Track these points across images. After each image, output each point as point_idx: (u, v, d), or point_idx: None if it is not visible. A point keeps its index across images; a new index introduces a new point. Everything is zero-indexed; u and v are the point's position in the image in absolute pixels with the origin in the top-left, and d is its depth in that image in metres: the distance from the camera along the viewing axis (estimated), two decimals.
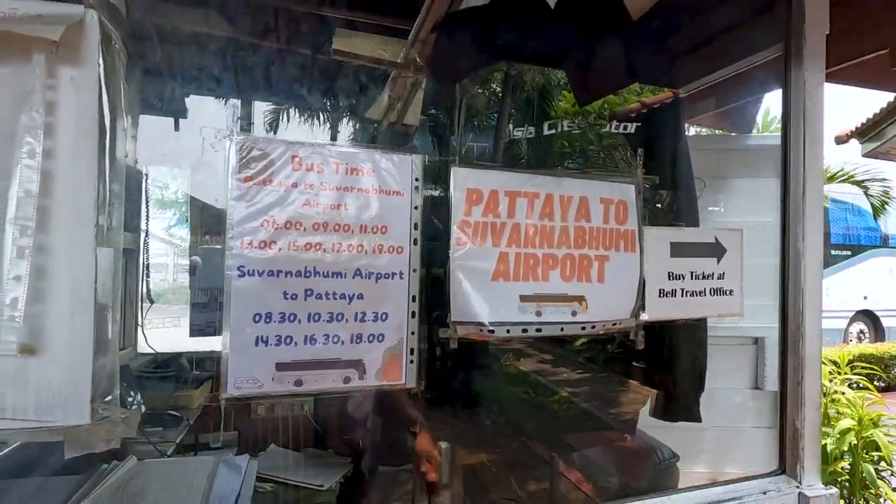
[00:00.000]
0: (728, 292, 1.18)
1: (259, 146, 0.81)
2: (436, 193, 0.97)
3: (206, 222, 1.51)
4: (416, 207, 0.90)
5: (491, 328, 0.93)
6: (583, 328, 1.01)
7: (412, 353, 0.89)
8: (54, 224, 0.67)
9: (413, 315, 0.90)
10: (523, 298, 0.95)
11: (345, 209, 0.86)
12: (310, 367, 0.83)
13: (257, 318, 0.81)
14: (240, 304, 0.80)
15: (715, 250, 1.17)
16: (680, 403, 1.33)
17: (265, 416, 2.21)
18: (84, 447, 0.69)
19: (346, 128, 2.57)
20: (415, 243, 0.90)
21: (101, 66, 0.69)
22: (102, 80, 0.70)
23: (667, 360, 1.35)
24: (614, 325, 1.06)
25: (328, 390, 0.83)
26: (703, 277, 1.16)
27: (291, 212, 0.82)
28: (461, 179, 0.94)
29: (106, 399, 0.69)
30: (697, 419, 1.33)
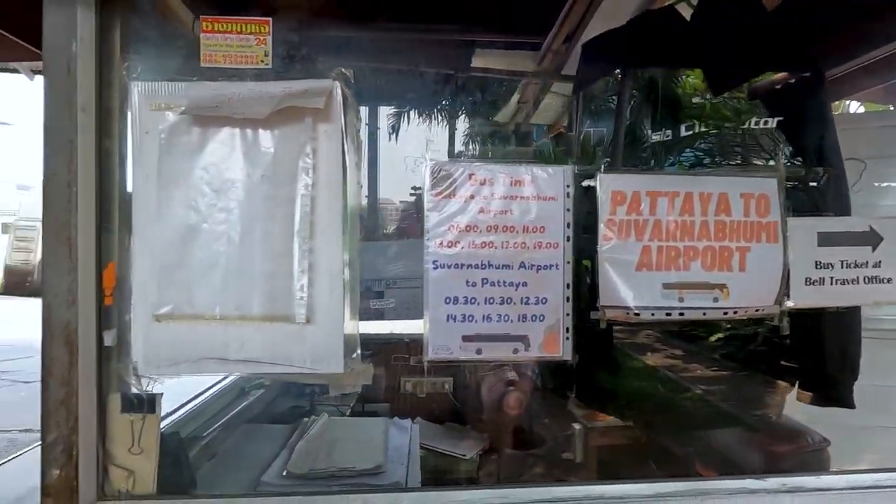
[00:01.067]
0: (886, 280, 1.16)
1: (445, 168, 1.07)
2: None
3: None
4: (568, 210, 1.09)
5: (637, 311, 1.08)
6: (724, 313, 1.10)
7: (567, 331, 1.09)
8: (317, 233, 0.98)
9: (568, 300, 1.09)
10: (666, 286, 1.08)
11: (510, 213, 1.08)
12: (487, 339, 1.06)
13: (447, 300, 1.06)
14: (434, 289, 1.06)
15: (869, 238, 1.16)
16: (833, 388, 1.32)
17: (412, 392, 2.54)
18: (339, 389, 0.99)
19: (478, 130, 2.80)
20: (567, 240, 1.09)
21: (343, 120, 0.99)
22: (343, 129, 0.99)
23: (818, 345, 1.34)
24: (756, 311, 1.12)
25: (501, 358, 1.05)
26: (856, 266, 1.15)
27: (470, 218, 1.07)
28: (606, 184, 1.10)
29: (353, 355, 0.99)
30: (850, 405, 1.31)
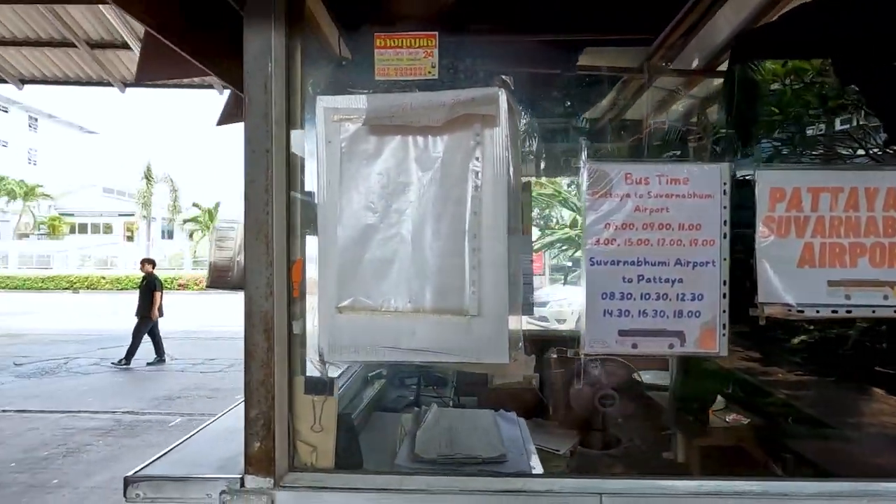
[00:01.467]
0: None
1: (602, 168, 1.10)
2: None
3: None
4: (724, 207, 1.10)
5: (800, 309, 1.07)
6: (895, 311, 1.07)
7: (724, 327, 1.10)
8: (483, 231, 1.05)
9: (724, 296, 1.10)
10: (831, 283, 1.07)
11: (666, 211, 1.10)
12: (643, 334, 1.09)
13: (604, 296, 1.10)
14: (591, 285, 1.10)
15: None
16: None
17: (499, 386, 2.59)
18: (502, 378, 1.06)
19: (566, 125, 2.80)
20: (724, 237, 1.10)
21: (507, 124, 1.05)
22: (508, 133, 1.05)
23: None
24: None
25: (657, 353, 1.08)
26: None
27: (626, 216, 1.10)
28: (765, 180, 1.10)
29: (517, 347, 1.06)
30: None
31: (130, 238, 34.52)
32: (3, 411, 6.27)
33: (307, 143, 1.13)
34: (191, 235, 33.07)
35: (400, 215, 1.07)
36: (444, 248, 1.06)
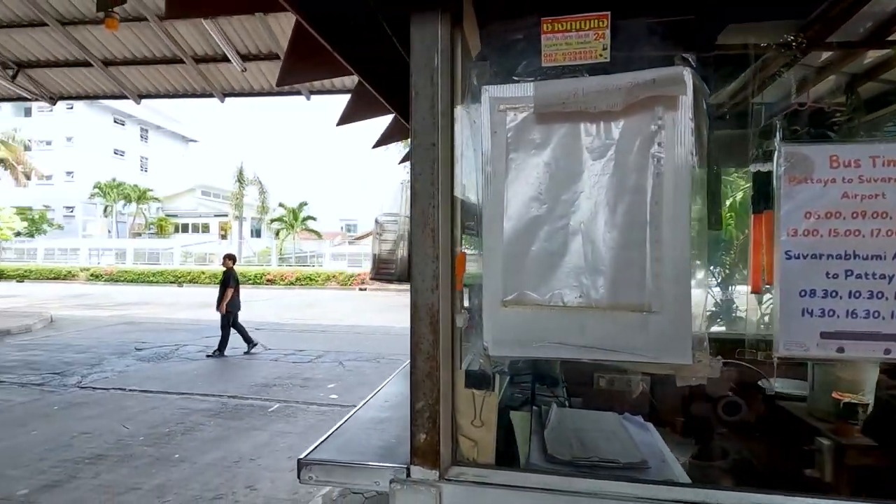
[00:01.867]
0: None
1: (801, 151, 0.99)
2: None
3: None
4: None
5: None
6: None
7: None
8: (665, 222, 0.98)
9: None
10: None
11: (881, 198, 0.96)
12: (851, 337, 0.97)
13: (802, 293, 0.99)
14: (787, 281, 1.00)
15: None
16: None
17: (605, 388, 2.46)
18: (686, 380, 0.98)
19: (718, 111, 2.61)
20: None
21: (693, 107, 0.97)
22: (693, 116, 0.98)
23: None
24: None
25: (869, 358, 0.95)
26: None
27: (831, 204, 0.98)
28: None
29: (701, 347, 0.98)
30: None
31: (224, 236, 37.53)
32: (130, 390, 7.02)
33: (470, 136, 1.12)
34: (277, 234, 35.30)
35: (569, 206, 1.03)
36: (620, 239, 1.00)
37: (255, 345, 9.58)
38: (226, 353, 9.34)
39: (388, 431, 1.22)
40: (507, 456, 1.47)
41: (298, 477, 1.07)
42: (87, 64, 12.56)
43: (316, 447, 1.14)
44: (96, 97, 14.47)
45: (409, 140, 1.04)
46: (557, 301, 1.03)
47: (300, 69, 1.86)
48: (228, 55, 11.25)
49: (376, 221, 1.21)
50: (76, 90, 14.41)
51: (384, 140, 2.64)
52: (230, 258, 9.85)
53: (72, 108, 41.78)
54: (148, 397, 6.70)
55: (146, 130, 48.14)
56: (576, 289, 1.02)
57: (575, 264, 1.02)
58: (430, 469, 1.02)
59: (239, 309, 9.64)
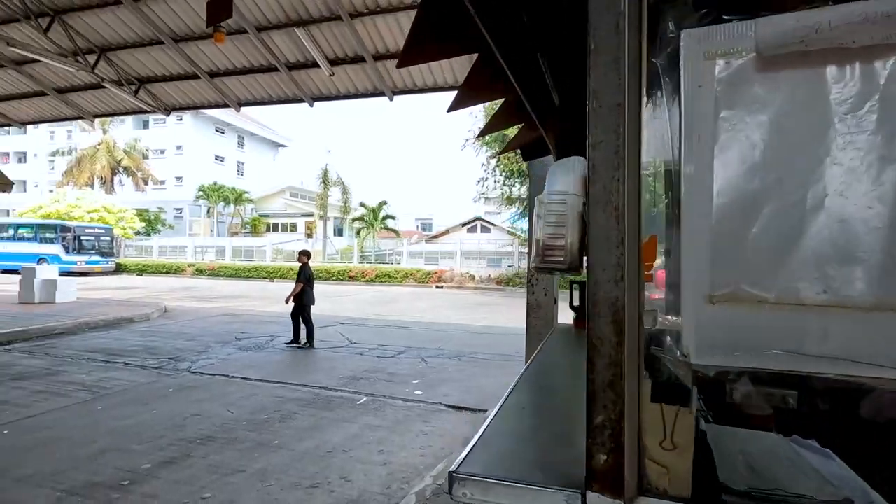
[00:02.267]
0: None
1: None
2: None
3: None
4: None
5: None
6: None
7: None
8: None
9: None
10: None
11: None
12: None
13: None
14: None
15: None
16: None
17: (739, 402, 2.11)
18: None
19: None
20: None
21: None
22: None
23: None
24: None
25: None
26: None
27: None
28: None
29: None
30: None
31: (310, 235, 39.68)
32: (232, 377, 7.50)
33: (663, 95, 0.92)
34: (358, 232, 36.69)
35: (808, 175, 0.80)
36: (888, 217, 0.75)
37: (301, 345, 9.74)
38: (314, 346, 9.72)
39: (538, 445, 1.05)
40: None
41: (450, 492, 0.94)
42: (195, 76, 13.73)
43: (464, 459, 1.00)
44: (203, 107, 15.75)
45: (588, 102, 0.87)
46: (790, 297, 0.80)
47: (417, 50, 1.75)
48: (318, 61, 11.75)
49: (539, 202, 1.05)
50: (186, 101, 15.80)
51: (493, 127, 2.49)
52: (305, 254, 10.15)
53: (181, 119, 46.35)
54: (248, 384, 7.11)
55: (242, 138, 52.24)
56: (818, 282, 0.79)
57: (816, 250, 0.79)
58: (612, 498, 0.84)
59: (312, 303, 9.90)
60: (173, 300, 17.80)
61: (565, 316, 3.59)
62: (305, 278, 9.76)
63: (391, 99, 12.75)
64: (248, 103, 14.02)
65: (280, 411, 5.92)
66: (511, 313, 15.86)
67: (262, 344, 10.13)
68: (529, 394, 1.36)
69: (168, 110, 15.03)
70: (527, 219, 31.34)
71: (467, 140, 24.75)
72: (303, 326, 9.83)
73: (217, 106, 14.75)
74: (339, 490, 3.98)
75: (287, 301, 9.71)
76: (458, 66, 11.61)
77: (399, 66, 2.06)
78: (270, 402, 6.26)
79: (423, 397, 6.62)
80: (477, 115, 24.06)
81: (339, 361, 8.69)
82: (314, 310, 10.09)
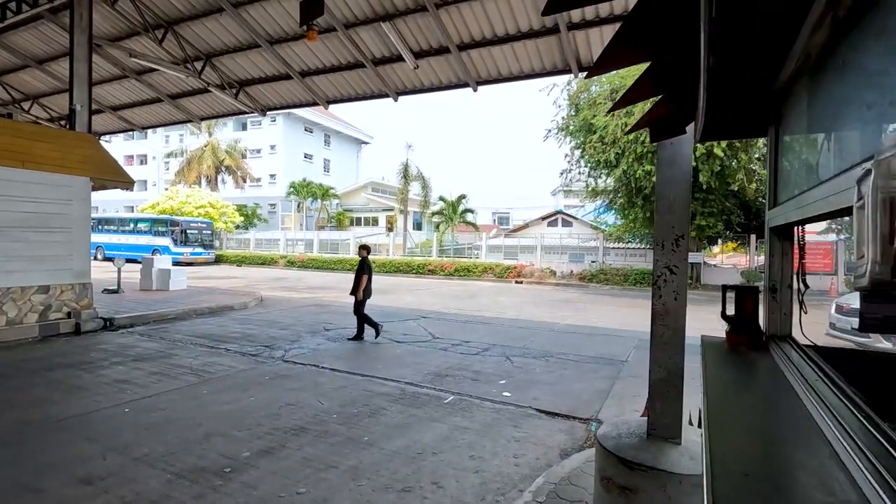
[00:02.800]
0: None
1: None
2: None
3: None
4: None
5: None
6: None
7: None
8: None
9: None
10: None
11: None
12: None
13: None
14: None
15: None
16: None
17: None
18: None
19: None
20: None
21: None
22: None
23: None
24: None
25: None
26: None
27: None
28: None
29: None
30: None
31: (390, 229, 40.73)
32: (322, 367, 7.67)
33: None
34: (437, 227, 37.02)
35: None
36: None
37: (360, 338, 9.80)
38: (378, 339, 9.70)
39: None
40: None
41: None
42: (287, 77, 14.32)
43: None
44: (295, 106, 16.42)
45: None
46: None
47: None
48: (403, 54, 11.72)
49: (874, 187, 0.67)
50: (280, 101, 16.58)
51: (627, 101, 2.10)
52: (364, 248, 10.40)
53: (274, 121, 49.59)
54: (337, 376, 7.22)
55: (328, 136, 54.81)
56: None
57: None
58: None
59: (369, 296, 9.99)
60: (267, 290, 18.98)
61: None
62: (369, 270, 9.92)
63: (475, 89, 12.43)
64: (336, 101, 14.41)
65: (369, 406, 5.91)
66: (597, 311, 15.01)
67: (349, 335, 10.36)
68: (736, 444, 0.98)
69: (264, 110, 15.90)
70: (613, 212, 29.45)
71: (549, 131, 23.81)
72: (352, 322, 9.98)
73: (307, 104, 15.34)
74: (431, 497, 3.80)
75: (358, 295, 9.78)
76: (545, 50, 11.02)
77: (589, 75, 1.76)
78: (359, 396, 6.28)
79: (512, 399, 6.31)
80: (561, 104, 23.08)
81: (424, 357, 8.62)
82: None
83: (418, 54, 12.43)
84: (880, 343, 9.17)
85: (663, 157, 2.64)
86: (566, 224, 38.13)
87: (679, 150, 2.58)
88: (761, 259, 23.81)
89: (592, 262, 26.88)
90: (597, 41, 10.58)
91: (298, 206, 46.99)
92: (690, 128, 2.50)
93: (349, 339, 9.90)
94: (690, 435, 2.68)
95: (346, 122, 57.05)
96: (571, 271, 26.09)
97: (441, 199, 37.17)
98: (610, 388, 6.95)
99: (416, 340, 9.99)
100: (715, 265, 23.76)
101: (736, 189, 19.71)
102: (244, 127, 51.06)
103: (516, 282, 25.53)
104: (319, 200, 45.50)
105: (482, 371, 7.68)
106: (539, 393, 6.60)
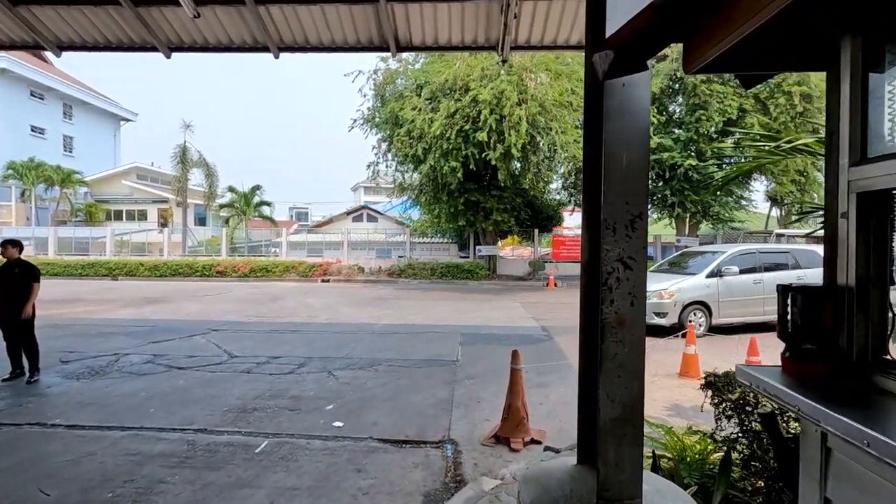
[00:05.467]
0: None
1: None
2: None
3: None
4: None
5: None
6: None
7: None
8: None
9: None
10: None
11: None
12: None
13: None
14: None
15: None
16: None
17: None
18: None
19: None
20: None
21: None
22: None
23: None
24: None
25: None
26: None
27: None
28: None
29: None
30: None
31: (165, 224, 33.98)
32: (52, 426, 5.13)
33: None
34: (226, 221, 32.30)
35: None
36: None
37: (28, 376, 6.79)
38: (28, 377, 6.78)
39: None
40: None
41: None
42: None
43: None
44: (2, 48, 11.64)
45: None
46: None
47: None
48: None
49: None
50: None
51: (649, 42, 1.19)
52: (13, 244, 6.75)
53: None
54: (79, 437, 4.86)
55: (70, 107, 42.93)
56: None
57: None
58: None
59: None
60: None
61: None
62: (37, 275, 6.76)
63: (276, 56, 10.46)
64: (73, 47, 10.55)
65: (135, 481, 3.95)
66: (412, 307, 14.61)
67: (103, 367, 7.53)
68: None
69: None
70: (418, 208, 30.10)
71: (355, 121, 22.76)
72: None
73: (27, 47, 10.95)
74: None
75: (26, 310, 6.58)
76: (361, 20, 9.85)
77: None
78: (119, 466, 4.21)
79: (347, 430, 5.08)
80: (367, 93, 22.22)
81: (219, 385, 6.65)
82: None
83: None
84: (652, 320, 10.84)
85: (611, 106, 1.86)
86: (371, 219, 37.69)
87: (632, 94, 1.84)
88: (542, 251, 27.16)
89: (400, 257, 26.86)
90: (416, 18, 9.83)
91: (23, 194, 35.55)
92: (650, 63, 1.74)
93: (3, 380, 6.61)
94: (652, 486, 1.99)
95: (98, 92, 45.65)
96: (380, 267, 25.57)
97: (231, 189, 32.56)
98: (451, 395, 6.29)
99: (206, 364, 7.80)
100: (502, 257, 26.10)
101: (526, 187, 21.83)
102: None
103: (323, 280, 23.79)
104: (58, 188, 35.19)
105: (302, 395, 6.20)
106: (377, 415, 5.51)
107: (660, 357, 8.14)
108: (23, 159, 33.87)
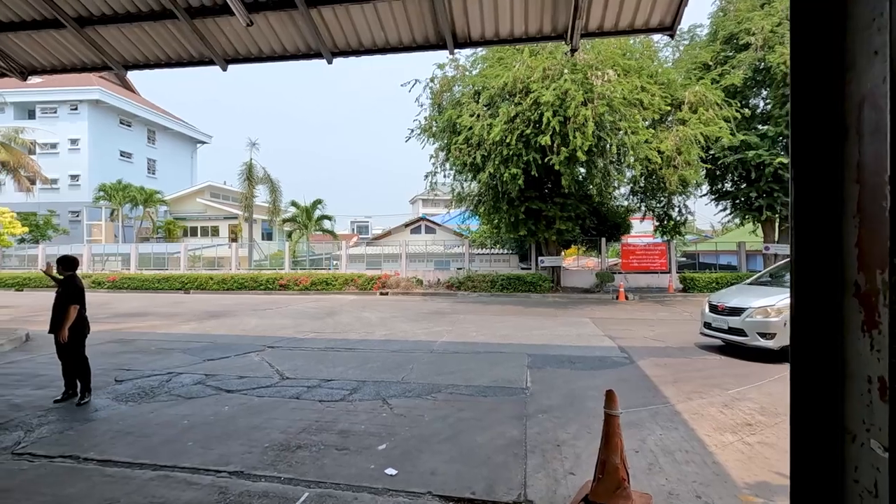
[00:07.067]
0: None
1: None
2: None
3: None
4: None
5: None
6: None
7: None
8: None
9: None
10: None
11: None
12: None
13: None
14: None
15: None
16: None
17: None
18: None
19: None
20: None
21: None
22: None
23: None
24: None
25: None
26: None
27: None
28: None
29: None
30: None
31: (234, 239, 35.43)
32: (86, 460, 4.67)
33: None
34: (289, 235, 33.10)
35: None
36: None
37: (79, 399, 6.51)
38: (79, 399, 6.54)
39: None
40: None
41: None
42: (58, 24, 10.13)
43: None
44: (74, 69, 11.96)
45: None
46: None
47: None
48: (230, 2, 8.77)
49: None
50: (50, 61, 11.92)
51: None
52: (65, 263, 6.66)
53: (76, 109, 40.17)
54: (107, 477, 4.34)
55: (153, 132, 46.41)
56: None
57: None
58: None
59: (88, 332, 6.76)
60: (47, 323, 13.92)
61: None
62: (78, 296, 6.45)
63: (330, 61, 10.02)
64: (137, 65, 10.72)
65: None
66: (473, 323, 13.66)
67: (153, 388, 7.22)
68: None
69: (24, 73, 11.33)
70: (477, 218, 29.33)
71: (412, 131, 22.36)
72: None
73: (95, 69, 11.26)
74: None
75: (62, 334, 6.32)
76: (415, 16, 9.16)
77: None
78: None
79: (401, 481, 4.22)
80: (423, 102, 21.79)
81: (265, 414, 6.05)
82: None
83: (251, 5, 9.54)
84: (756, 342, 9.22)
85: None
86: (429, 231, 37.31)
87: None
88: (610, 261, 25.37)
89: (459, 268, 26.09)
90: (475, 9, 8.98)
91: (112, 213, 38.52)
92: None
93: (55, 401, 6.42)
94: None
95: (177, 117, 49.10)
96: (438, 279, 24.91)
97: (293, 204, 33.39)
98: (523, 434, 5.28)
99: (255, 386, 7.28)
100: (566, 268, 24.61)
101: (592, 193, 20.38)
102: (31, 115, 40.42)
103: (381, 293, 23.46)
104: (142, 207, 37.81)
105: (352, 430, 5.44)
106: (436, 461, 4.62)
107: (782, 391, 6.66)
108: (112, 182, 36.73)
